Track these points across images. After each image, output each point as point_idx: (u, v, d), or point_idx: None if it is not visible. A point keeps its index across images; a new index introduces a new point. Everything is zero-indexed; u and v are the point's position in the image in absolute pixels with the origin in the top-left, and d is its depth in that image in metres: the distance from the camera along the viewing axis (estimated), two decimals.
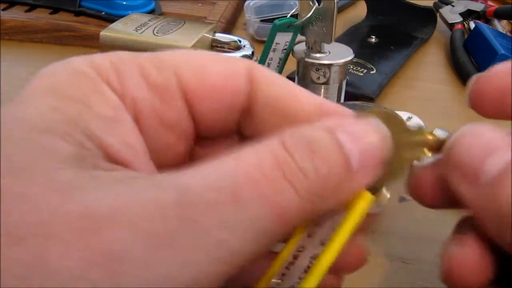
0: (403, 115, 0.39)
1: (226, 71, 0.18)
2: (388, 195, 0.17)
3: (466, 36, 0.56)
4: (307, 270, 0.17)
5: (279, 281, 0.17)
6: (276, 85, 0.18)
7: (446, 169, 0.17)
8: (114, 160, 0.15)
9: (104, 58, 0.16)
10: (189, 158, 0.19)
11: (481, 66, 0.50)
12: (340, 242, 0.16)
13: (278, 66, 0.39)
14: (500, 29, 0.57)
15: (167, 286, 0.12)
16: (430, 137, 0.18)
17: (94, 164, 0.13)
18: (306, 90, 0.18)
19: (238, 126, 0.19)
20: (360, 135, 0.16)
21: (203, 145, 0.19)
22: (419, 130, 0.18)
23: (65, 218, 0.11)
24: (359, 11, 0.64)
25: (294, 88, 0.18)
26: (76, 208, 0.12)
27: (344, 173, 0.15)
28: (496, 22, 0.58)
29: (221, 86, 0.18)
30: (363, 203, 0.16)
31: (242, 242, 0.13)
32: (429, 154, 0.18)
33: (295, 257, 0.18)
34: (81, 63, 0.16)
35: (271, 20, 0.53)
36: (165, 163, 0.18)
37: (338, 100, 0.40)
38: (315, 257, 0.17)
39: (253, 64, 0.18)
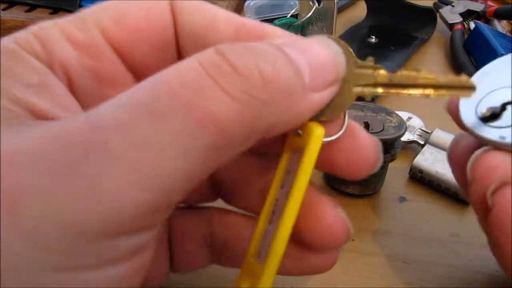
0: (403, 115, 0.39)
1: (146, 10, 0.17)
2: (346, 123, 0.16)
3: (466, 36, 0.56)
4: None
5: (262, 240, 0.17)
6: (193, 15, 0.17)
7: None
8: (45, 119, 0.14)
9: (26, 31, 0.16)
10: None
11: (481, 66, 0.49)
12: (302, 185, 0.15)
13: None
14: (500, 29, 0.57)
15: (74, 217, 0.11)
16: (381, 72, 0.17)
17: (18, 123, 0.13)
18: (226, 12, 0.17)
19: None
20: (310, 49, 0.14)
21: None
22: (371, 64, 0.17)
23: None
24: (359, 11, 0.64)
25: (212, 14, 0.17)
26: None
27: (295, 82, 0.14)
28: (496, 22, 0.58)
29: (144, 27, 0.16)
30: (316, 139, 0.15)
31: (166, 160, 0.12)
32: (380, 90, 0.17)
33: (273, 212, 0.17)
34: (4, 41, 0.15)
35: (271, 20, 0.53)
36: None
37: None
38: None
39: None
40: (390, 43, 0.56)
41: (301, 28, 0.37)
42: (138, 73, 0.17)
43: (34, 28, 0.16)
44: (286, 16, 0.37)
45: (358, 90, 0.16)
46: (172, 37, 0.17)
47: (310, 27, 0.36)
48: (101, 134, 0.11)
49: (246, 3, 0.58)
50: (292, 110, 0.14)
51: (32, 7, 0.58)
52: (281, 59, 0.13)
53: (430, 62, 0.56)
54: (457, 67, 0.52)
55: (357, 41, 0.56)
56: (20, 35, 0.16)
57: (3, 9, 0.57)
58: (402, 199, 0.34)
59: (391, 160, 0.32)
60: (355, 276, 0.28)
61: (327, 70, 0.14)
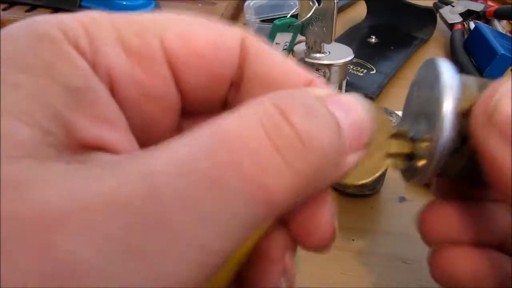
0: None
1: (217, 38, 0.15)
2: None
3: (466, 36, 0.56)
4: None
5: None
6: (266, 60, 0.16)
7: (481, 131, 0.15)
8: (83, 142, 0.12)
9: (74, 19, 0.14)
10: (177, 132, 0.17)
11: (481, 66, 0.50)
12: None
13: None
14: (500, 29, 0.57)
15: None
16: (424, 144, 0.16)
17: (54, 152, 0.11)
18: (297, 67, 0.16)
19: (226, 99, 0.17)
20: (351, 109, 0.14)
21: (191, 119, 0.17)
22: (402, 136, 0.16)
23: (10, 223, 0.10)
24: (359, 11, 0.64)
25: (285, 65, 0.16)
26: (23, 210, 0.10)
27: (341, 148, 0.13)
28: (496, 22, 0.58)
29: (210, 56, 0.15)
30: None
31: (223, 240, 0.11)
32: (418, 164, 0.16)
33: None
34: (47, 25, 0.13)
35: (271, 20, 0.53)
36: (149, 139, 0.15)
37: None
38: None
39: (245, 33, 0.16)
40: (390, 43, 0.56)
41: (301, 28, 0.37)
42: (186, 94, 0.16)
43: (84, 17, 0.14)
44: (286, 16, 0.37)
45: (390, 160, 0.16)
46: (232, 74, 0.16)
47: (310, 27, 0.36)
48: (161, 207, 0.10)
49: (246, 3, 0.58)
50: (334, 174, 0.14)
51: (32, 7, 0.58)
52: (329, 119, 0.13)
53: None
54: (457, 67, 0.52)
55: (357, 41, 0.56)
56: (66, 20, 0.13)
57: (3, 9, 0.57)
58: (402, 199, 0.34)
59: None
60: (355, 276, 0.28)
61: (363, 132, 0.14)
